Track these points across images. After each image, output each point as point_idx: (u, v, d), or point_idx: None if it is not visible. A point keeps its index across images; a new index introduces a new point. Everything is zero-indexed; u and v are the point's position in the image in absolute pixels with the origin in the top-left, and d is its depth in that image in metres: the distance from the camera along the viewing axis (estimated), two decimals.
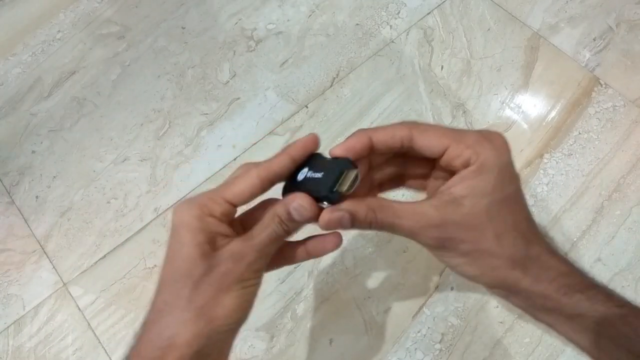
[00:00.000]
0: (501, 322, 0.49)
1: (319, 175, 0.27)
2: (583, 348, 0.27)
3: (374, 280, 0.51)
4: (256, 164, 0.28)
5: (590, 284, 0.28)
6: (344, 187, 0.27)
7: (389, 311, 0.50)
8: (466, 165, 0.27)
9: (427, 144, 0.28)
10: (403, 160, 0.32)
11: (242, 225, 0.30)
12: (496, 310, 0.49)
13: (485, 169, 0.26)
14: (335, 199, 0.27)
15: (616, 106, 0.57)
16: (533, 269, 0.27)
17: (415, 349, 0.48)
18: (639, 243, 0.51)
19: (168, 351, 0.25)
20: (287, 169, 0.28)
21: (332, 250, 0.30)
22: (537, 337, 0.48)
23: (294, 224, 0.28)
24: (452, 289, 0.50)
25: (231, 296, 0.26)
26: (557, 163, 0.55)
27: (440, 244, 0.27)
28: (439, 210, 0.27)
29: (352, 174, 0.27)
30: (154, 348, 0.25)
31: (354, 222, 0.27)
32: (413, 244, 0.52)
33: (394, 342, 0.49)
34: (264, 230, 0.27)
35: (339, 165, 0.27)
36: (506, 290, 0.28)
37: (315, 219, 0.27)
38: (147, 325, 0.26)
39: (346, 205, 0.27)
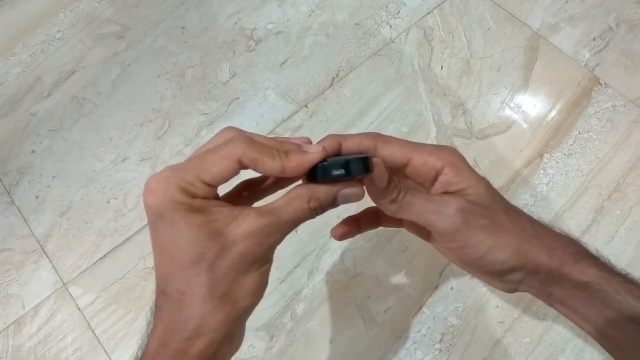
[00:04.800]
0: (501, 322, 0.49)
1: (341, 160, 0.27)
2: (591, 322, 0.28)
3: (374, 280, 0.51)
4: (239, 141, 0.25)
5: (595, 254, 0.29)
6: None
7: (389, 311, 0.50)
8: (433, 171, 0.29)
9: (391, 154, 0.29)
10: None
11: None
12: (496, 311, 0.49)
13: (459, 167, 0.29)
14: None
15: (616, 106, 0.57)
16: (545, 242, 0.28)
17: (415, 349, 0.48)
18: (639, 243, 0.51)
19: (196, 340, 0.24)
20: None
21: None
22: (537, 337, 0.48)
23: (329, 209, 0.27)
24: (452, 289, 0.50)
25: (252, 276, 0.25)
26: (557, 163, 0.55)
27: (464, 219, 0.28)
28: (452, 197, 0.29)
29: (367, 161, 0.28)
30: (181, 338, 0.24)
31: (390, 182, 0.27)
32: (413, 244, 0.52)
33: (394, 342, 0.49)
34: (294, 211, 0.26)
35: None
36: (529, 272, 0.29)
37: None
38: (164, 315, 0.25)
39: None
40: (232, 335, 0.26)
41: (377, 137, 0.30)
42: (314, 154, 0.26)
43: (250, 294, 0.25)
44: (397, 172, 0.31)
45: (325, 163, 0.26)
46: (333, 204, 0.27)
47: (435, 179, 0.30)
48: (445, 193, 0.29)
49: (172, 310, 0.24)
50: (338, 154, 0.29)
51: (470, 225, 0.28)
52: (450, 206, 0.28)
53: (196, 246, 0.24)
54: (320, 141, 0.29)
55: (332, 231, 0.35)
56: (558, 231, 0.30)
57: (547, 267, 0.28)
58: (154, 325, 0.25)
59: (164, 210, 0.24)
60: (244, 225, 0.24)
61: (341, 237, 0.35)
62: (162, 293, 0.25)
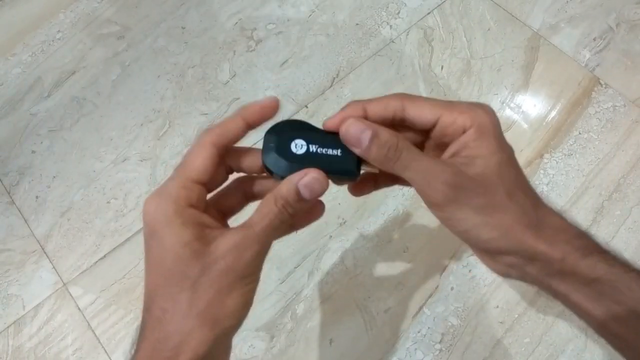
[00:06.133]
0: (501, 322, 0.49)
1: (334, 151, 0.26)
2: (597, 319, 0.27)
3: (374, 280, 0.51)
4: (205, 131, 0.26)
5: (605, 248, 0.28)
6: (368, 167, 0.27)
7: (389, 311, 0.50)
8: (461, 130, 0.27)
9: (420, 113, 0.27)
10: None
11: (215, 207, 0.28)
12: (496, 311, 0.49)
13: (483, 130, 0.27)
14: (358, 175, 0.27)
15: (616, 106, 0.57)
16: (547, 230, 0.27)
17: (415, 349, 0.48)
18: (639, 243, 0.51)
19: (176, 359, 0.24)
20: (242, 134, 0.27)
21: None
22: (537, 337, 0.48)
23: (301, 205, 0.26)
24: (452, 289, 0.50)
25: (233, 296, 0.25)
26: (557, 163, 0.55)
27: (454, 194, 0.26)
28: (454, 164, 0.27)
29: None
30: (161, 357, 0.24)
31: (373, 143, 0.26)
32: (413, 244, 0.52)
33: (394, 342, 0.49)
34: (264, 218, 0.25)
35: None
36: (523, 258, 0.27)
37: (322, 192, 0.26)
38: (147, 333, 0.25)
39: (369, 123, 0.26)
40: (213, 356, 0.25)
41: (403, 97, 0.28)
42: (267, 99, 0.26)
43: (230, 314, 0.25)
44: (425, 134, 0.29)
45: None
46: (299, 198, 0.26)
47: None
48: (455, 155, 0.27)
49: (153, 328, 0.25)
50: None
51: (460, 201, 0.26)
52: (442, 178, 0.26)
53: (180, 264, 0.24)
54: (342, 108, 0.27)
55: (348, 187, 0.33)
56: (571, 222, 0.28)
57: (544, 255, 0.26)
58: (138, 345, 0.25)
59: (157, 226, 0.25)
60: (223, 242, 0.25)
61: (359, 193, 0.33)
62: (147, 311, 0.25)
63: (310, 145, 0.26)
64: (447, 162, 0.27)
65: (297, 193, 0.26)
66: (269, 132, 0.27)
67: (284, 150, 0.26)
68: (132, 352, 0.26)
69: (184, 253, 0.24)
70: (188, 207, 0.25)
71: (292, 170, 0.26)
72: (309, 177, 0.25)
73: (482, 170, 0.26)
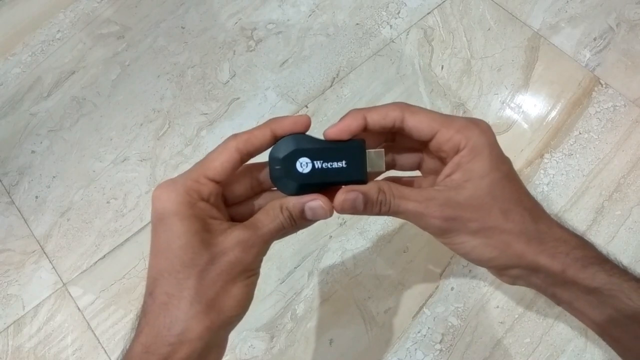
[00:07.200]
0: (501, 323, 0.49)
1: (339, 164, 0.27)
2: (599, 325, 0.28)
3: (374, 281, 0.51)
4: (232, 136, 0.27)
5: (605, 257, 0.28)
6: (375, 169, 0.28)
7: (389, 311, 0.50)
8: (456, 149, 0.28)
9: (418, 126, 0.28)
10: (391, 145, 0.32)
11: (222, 196, 0.29)
12: (496, 311, 0.49)
13: (477, 151, 0.27)
14: (367, 180, 0.28)
15: (616, 106, 0.57)
16: (548, 242, 0.27)
17: (416, 349, 0.48)
18: (639, 243, 0.51)
19: (179, 346, 0.24)
20: (267, 145, 0.28)
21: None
22: (537, 337, 0.48)
23: (303, 222, 0.28)
24: (452, 289, 0.50)
25: (238, 286, 0.26)
26: (557, 163, 0.55)
27: (448, 225, 0.27)
28: (443, 193, 0.28)
29: (379, 154, 0.28)
30: (164, 343, 0.24)
31: (366, 204, 0.27)
32: (413, 244, 0.52)
33: (394, 342, 0.49)
34: (272, 222, 0.27)
35: (355, 148, 0.27)
36: (526, 269, 0.28)
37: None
38: (149, 318, 0.25)
39: (357, 186, 0.27)
40: (211, 347, 0.26)
41: (404, 107, 0.28)
42: (300, 117, 0.28)
43: (235, 304, 0.26)
44: (423, 143, 0.30)
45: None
46: (302, 215, 0.28)
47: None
48: (449, 176, 0.28)
49: (157, 313, 0.25)
50: (363, 130, 0.28)
51: (455, 229, 0.27)
52: (432, 214, 0.27)
53: (188, 251, 0.25)
54: (343, 117, 0.28)
55: None
56: (571, 232, 0.29)
57: (546, 268, 0.27)
58: (139, 329, 0.25)
59: (166, 213, 0.25)
60: (231, 236, 0.26)
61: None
62: (149, 295, 0.26)
63: (315, 162, 0.27)
64: (436, 193, 0.28)
65: (302, 211, 0.27)
66: (273, 153, 0.28)
67: (290, 171, 0.27)
68: (132, 335, 0.26)
69: (193, 241, 0.25)
70: (199, 200, 0.26)
71: (301, 191, 0.27)
72: (316, 202, 0.27)
73: (474, 193, 0.27)
